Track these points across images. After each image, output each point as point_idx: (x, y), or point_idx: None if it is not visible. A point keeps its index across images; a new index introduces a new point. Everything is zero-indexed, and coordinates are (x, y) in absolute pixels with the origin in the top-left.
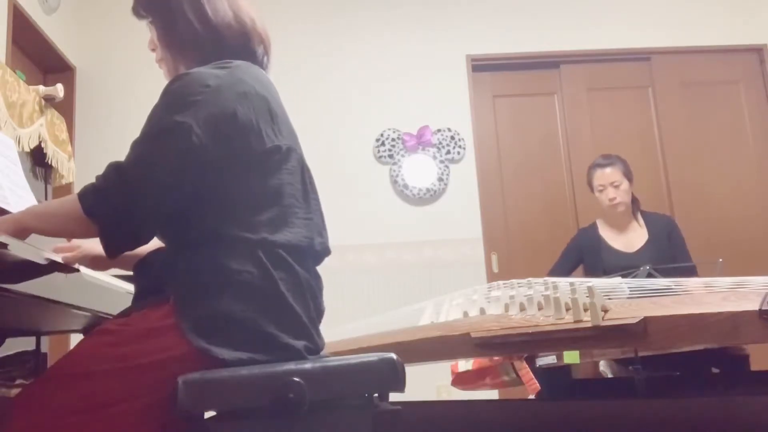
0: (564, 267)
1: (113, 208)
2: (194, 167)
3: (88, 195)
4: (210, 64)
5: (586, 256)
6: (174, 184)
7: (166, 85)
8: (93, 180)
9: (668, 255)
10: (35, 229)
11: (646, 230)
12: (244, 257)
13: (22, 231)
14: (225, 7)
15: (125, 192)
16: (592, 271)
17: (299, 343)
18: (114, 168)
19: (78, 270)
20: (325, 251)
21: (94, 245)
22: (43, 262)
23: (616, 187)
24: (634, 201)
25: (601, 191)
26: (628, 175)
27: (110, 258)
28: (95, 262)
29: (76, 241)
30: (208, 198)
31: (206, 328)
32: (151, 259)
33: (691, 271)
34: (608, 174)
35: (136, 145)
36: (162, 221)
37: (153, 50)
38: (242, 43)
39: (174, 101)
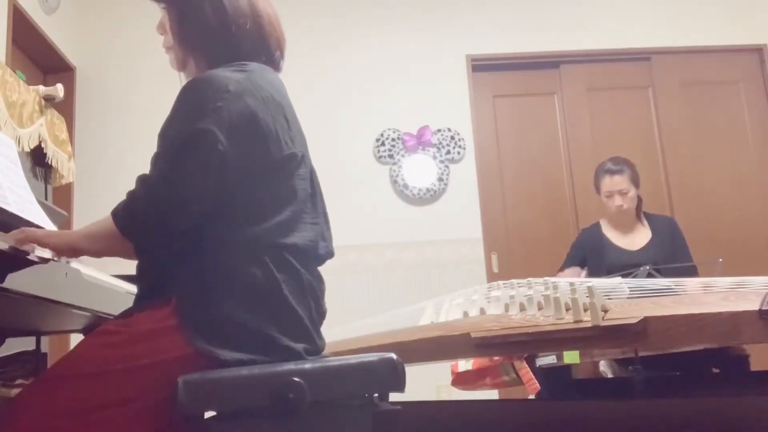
0: (570, 267)
1: (146, 224)
2: (220, 176)
3: (120, 213)
4: (225, 65)
5: (589, 255)
6: (203, 195)
7: (182, 89)
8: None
9: (671, 255)
10: (86, 250)
11: (650, 230)
12: (248, 259)
13: (74, 252)
14: (244, 6)
15: (157, 207)
16: (595, 270)
17: (299, 346)
18: (143, 182)
19: (54, 260)
20: (328, 255)
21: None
22: (35, 259)
23: (624, 194)
24: (639, 201)
25: (608, 197)
26: (635, 181)
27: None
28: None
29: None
30: (223, 203)
31: (208, 330)
32: (153, 260)
33: (691, 271)
34: (617, 182)
35: (163, 157)
36: (191, 229)
37: (162, 34)
38: (257, 45)
39: (195, 107)
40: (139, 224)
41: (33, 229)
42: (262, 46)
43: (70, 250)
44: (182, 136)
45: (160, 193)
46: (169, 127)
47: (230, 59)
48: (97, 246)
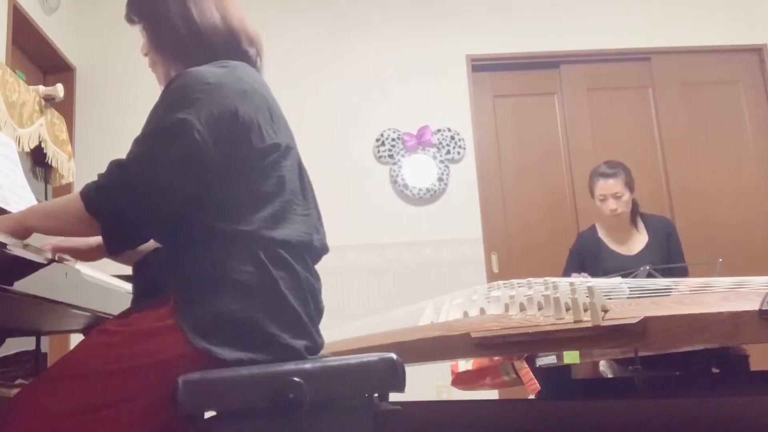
0: (573, 273)
1: (117, 206)
2: (196, 164)
3: (92, 193)
4: (205, 64)
5: (587, 258)
6: (177, 182)
7: (165, 85)
8: (93, 179)
9: (667, 257)
10: (37, 228)
11: (646, 233)
12: (243, 256)
13: (23, 231)
14: (212, 10)
15: (129, 190)
16: (592, 274)
17: (299, 343)
18: (117, 166)
19: (59, 261)
20: (324, 248)
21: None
22: (42, 261)
23: (618, 198)
24: (634, 206)
25: (602, 200)
26: (630, 185)
27: (111, 256)
28: (88, 254)
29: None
30: (208, 196)
31: (206, 328)
32: (150, 259)
33: (683, 273)
34: (611, 185)
35: (139, 143)
36: (164, 220)
37: (145, 55)
38: (230, 44)
39: (175, 99)
40: (109, 206)
41: None
42: (236, 46)
43: (19, 230)
44: (160, 125)
45: (132, 177)
46: (150, 119)
47: (207, 61)
48: (53, 224)
